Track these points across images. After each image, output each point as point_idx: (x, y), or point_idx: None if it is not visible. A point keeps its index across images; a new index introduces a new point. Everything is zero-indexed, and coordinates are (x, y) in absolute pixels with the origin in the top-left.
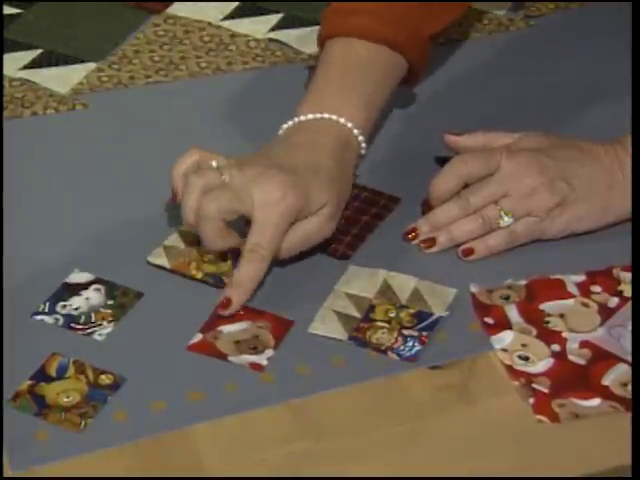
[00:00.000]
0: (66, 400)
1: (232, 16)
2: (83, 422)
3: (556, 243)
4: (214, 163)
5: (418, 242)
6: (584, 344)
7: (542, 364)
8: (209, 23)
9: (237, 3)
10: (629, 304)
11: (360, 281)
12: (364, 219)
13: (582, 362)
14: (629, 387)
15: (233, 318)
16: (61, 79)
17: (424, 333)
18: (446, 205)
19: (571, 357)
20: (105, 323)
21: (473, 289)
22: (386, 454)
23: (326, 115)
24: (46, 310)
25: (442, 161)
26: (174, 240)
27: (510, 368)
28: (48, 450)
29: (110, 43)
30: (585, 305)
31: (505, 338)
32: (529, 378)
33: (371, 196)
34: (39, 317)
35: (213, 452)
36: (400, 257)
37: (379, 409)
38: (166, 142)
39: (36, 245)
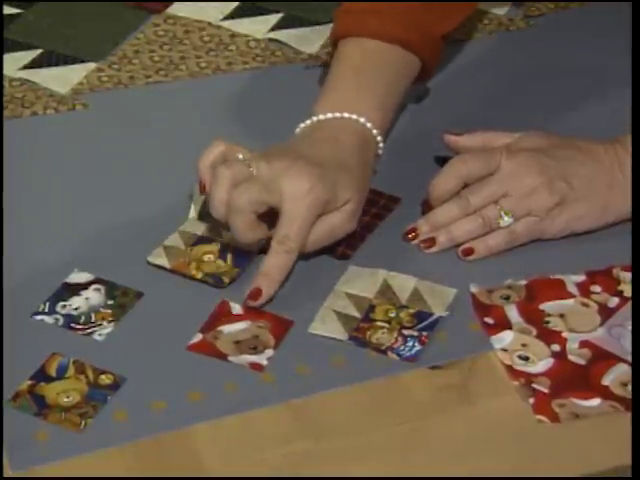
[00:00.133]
0: (66, 400)
1: (232, 16)
2: (83, 422)
3: (556, 243)
4: (241, 155)
5: (418, 242)
6: (584, 344)
7: (542, 364)
8: (209, 23)
9: (237, 3)
10: (629, 304)
11: (360, 281)
12: (364, 219)
13: (582, 362)
14: (629, 387)
15: (233, 318)
16: (61, 79)
17: (424, 333)
18: (446, 205)
19: (571, 357)
20: (105, 323)
21: (473, 289)
22: (386, 454)
23: (346, 114)
24: (46, 310)
25: (442, 161)
26: (174, 240)
27: (510, 368)
28: (48, 450)
29: (110, 43)
30: (585, 305)
31: (505, 338)
32: (529, 378)
33: (371, 196)
34: (39, 317)
35: (213, 452)
36: (400, 257)
37: (379, 409)
38: (166, 142)
39: (36, 245)
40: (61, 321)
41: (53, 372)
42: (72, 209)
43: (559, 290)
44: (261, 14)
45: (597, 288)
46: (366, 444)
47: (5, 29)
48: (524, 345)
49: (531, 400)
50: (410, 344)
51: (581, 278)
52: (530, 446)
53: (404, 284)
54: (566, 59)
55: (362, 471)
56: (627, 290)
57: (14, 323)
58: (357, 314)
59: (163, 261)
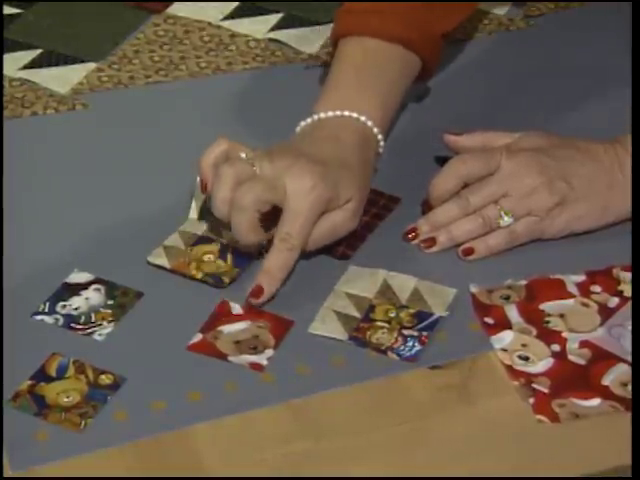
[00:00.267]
0: (66, 400)
1: (232, 16)
2: (83, 422)
3: (556, 243)
4: (243, 154)
5: (418, 242)
6: (584, 344)
7: (542, 364)
8: (209, 23)
9: (237, 3)
10: (629, 304)
11: (360, 281)
12: (364, 219)
13: (582, 362)
14: (629, 387)
15: (233, 318)
16: (61, 79)
17: (424, 333)
18: (446, 205)
19: (571, 357)
20: (105, 323)
21: (473, 289)
22: (386, 454)
23: (346, 113)
24: (46, 310)
25: (442, 161)
26: (174, 240)
27: (510, 368)
28: (48, 450)
29: (110, 43)
30: (585, 305)
31: (505, 338)
32: (529, 378)
33: (371, 196)
34: (39, 317)
35: (213, 452)
36: (400, 257)
37: (379, 409)
38: (166, 142)
39: (36, 245)
40: (61, 321)
41: (53, 372)
42: (72, 209)
43: (559, 290)
44: (261, 14)
45: (597, 288)
46: (366, 444)
47: (5, 29)
48: (524, 345)
49: (531, 400)
50: (410, 344)
51: (581, 278)
52: (530, 446)
53: (404, 284)
54: (566, 59)
55: (362, 471)
56: (627, 290)
57: (14, 323)
58: (357, 314)
59: (163, 261)
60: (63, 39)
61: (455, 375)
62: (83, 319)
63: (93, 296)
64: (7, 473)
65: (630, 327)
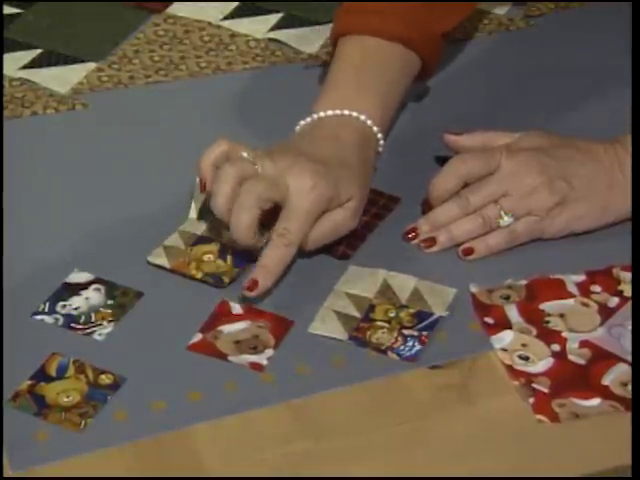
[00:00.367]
0: (66, 400)
1: (232, 16)
2: (83, 422)
3: (556, 243)
4: (245, 154)
5: (418, 242)
6: (584, 344)
7: (542, 364)
8: (209, 23)
9: (237, 3)
10: (629, 304)
11: (360, 281)
12: (364, 219)
13: (582, 362)
14: (629, 387)
15: (233, 318)
16: (61, 79)
17: (424, 333)
18: (446, 205)
19: (571, 357)
20: (105, 323)
21: (473, 289)
22: (386, 454)
23: (346, 112)
24: (46, 310)
25: (442, 161)
26: (174, 240)
27: (510, 368)
28: (48, 450)
29: (110, 43)
30: (585, 305)
31: (505, 338)
32: (529, 378)
33: (371, 196)
34: (39, 317)
35: (213, 452)
36: (400, 257)
37: (379, 409)
38: (166, 142)
39: (36, 245)
40: (61, 321)
41: (53, 372)
42: (72, 209)
43: (559, 290)
44: (261, 14)
45: (597, 288)
46: (366, 444)
47: (5, 29)
48: (524, 345)
49: (531, 400)
50: (410, 344)
51: (581, 278)
52: (530, 446)
53: (404, 284)
54: (566, 59)
55: (362, 471)
56: (627, 290)
57: (14, 323)
58: (357, 314)
59: (163, 261)
60: (63, 39)
61: (455, 375)
62: (83, 319)
63: (93, 296)
64: (7, 473)
65: (630, 327)
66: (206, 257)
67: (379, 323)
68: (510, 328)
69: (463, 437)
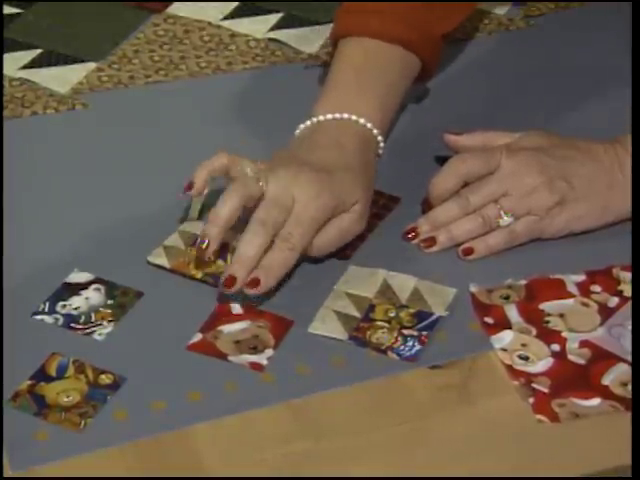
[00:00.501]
0: (66, 400)
1: (232, 16)
2: (83, 422)
3: (556, 243)
4: (249, 171)
5: (418, 242)
6: (584, 344)
7: (542, 364)
8: (209, 23)
9: (237, 3)
10: (629, 304)
11: (360, 281)
12: None
13: (582, 362)
14: (629, 387)
15: (233, 318)
16: (61, 79)
17: (424, 333)
18: (446, 204)
19: (571, 357)
20: (105, 323)
21: (473, 289)
22: (386, 454)
23: (346, 115)
24: (46, 310)
25: (442, 160)
26: (174, 240)
27: (510, 368)
28: (48, 450)
29: (110, 43)
30: (585, 305)
31: (505, 338)
32: (529, 378)
33: None
34: (39, 317)
35: (213, 452)
36: (400, 257)
37: (379, 409)
38: (166, 142)
39: (36, 245)
40: (61, 321)
41: (53, 372)
42: (72, 209)
43: (559, 290)
44: (261, 14)
45: (597, 288)
46: (366, 444)
47: (5, 29)
48: (524, 345)
49: (531, 400)
50: (410, 344)
51: (581, 278)
52: (530, 446)
53: (404, 284)
54: (566, 59)
55: (362, 471)
56: (627, 290)
57: (14, 323)
58: (357, 314)
59: (163, 261)
60: (63, 39)
61: (455, 375)
62: (83, 319)
63: (93, 296)
64: (7, 473)
65: (630, 327)
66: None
67: (379, 323)
68: (510, 328)
69: (463, 437)
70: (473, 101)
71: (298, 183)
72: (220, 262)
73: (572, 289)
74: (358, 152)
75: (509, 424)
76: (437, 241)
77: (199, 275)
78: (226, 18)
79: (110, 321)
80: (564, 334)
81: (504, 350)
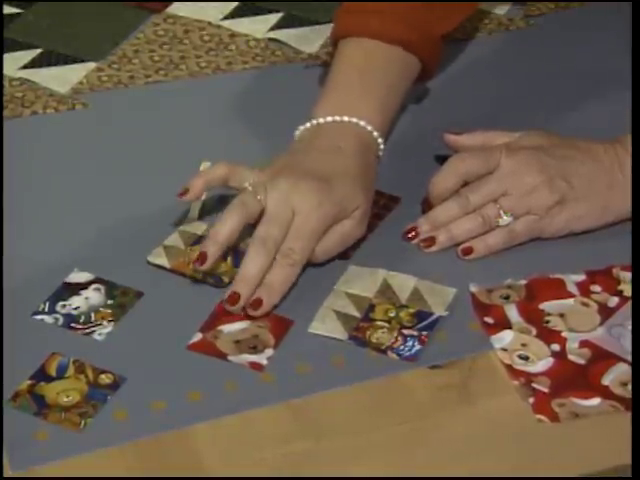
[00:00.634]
0: (66, 400)
1: (232, 16)
2: (83, 422)
3: (556, 242)
4: (247, 185)
5: (418, 241)
6: (584, 344)
7: (542, 364)
8: (209, 23)
9: (237, 3)
10: (629, 304)
11: (360, 281)
12: None
13: (582, 362)
14: (629, 387)
15: (233, 317)
16: (61, 79)
17: (424, 333)
18: (446, 204)
19: (571, 357)
20: (105, 323)
21: (473, 289)
22: (386, 454)
23: (346, 118)
24: (46, 310)
25: (442, 159)
26: (174, 240)
27: (510, 367)
28: (48, 450)
29: (110, 43)
30: (585, 305)
31: (505, 338)
32: (529, 377)
33: None
34: (39, 317)
35: (213, 452)
36: (400, 257)
37: (379, 409)
38: (166, 142)
39: (36, 245)
40: (61, 321)
41: (53, 372)
42: (72, 209)
43: (559, 290)
44: (261, 14)
45: (597, 288)
46: (366, 444)
47: (5, 29)
48: (524, 345)
49: (531, 400)
50: (410, 344)
51: (581, 278)
52: (530, 446)
53: (404, 284)
54: (566, 59)
55: (362, 471)
56: (627, 290)
57: (14, 323)
58: (357, 314)
59: (163, 261)
60: (63, 39)
61: (455, 375)
62: (83, 319)
63: (93, 296)
64: (7, 473)
65: (630, 327)
66: None
67: (379, 323)
68: (510, 328)
69: (463, 437)
70: (473, 101)
71: (299, 192)
72: (220, 262)
73: (572, 289)
74: (358, 155)
75: (509, 424)
76: (437, 241)
77: (199, 275)
78: (226, 18)
79: (110, 321)
80: (564, 334)
81: (504, 350)
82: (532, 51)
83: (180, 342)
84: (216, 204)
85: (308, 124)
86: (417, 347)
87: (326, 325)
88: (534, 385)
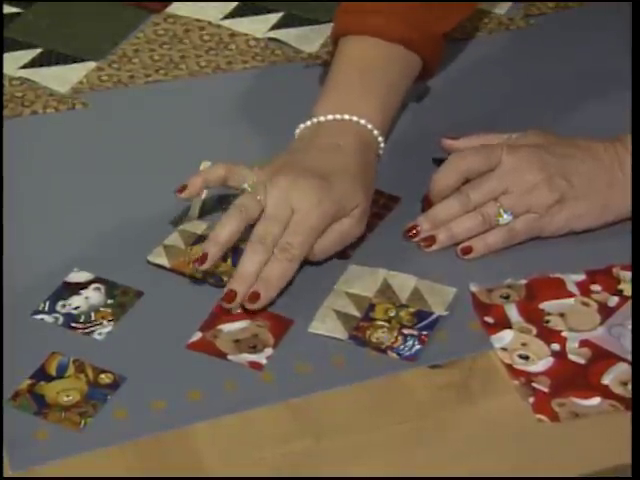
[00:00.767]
0: (66, 399)
1: (232, 15)
2: (83, 421)
3: (556, 242)
4: (247, 186)
5: (418, 240)
6: (584, 343)
7: (542, 363)
8: (209, 22)
9: (237, 2)
10: (629, 303)
11: (360, 280)
12: None
13: (582, 361)
14: (629, 386)
15: (233, 317)
16: (61, 78)
17: (424, 332)
18: (446, 201)
19: (571, 356)
20: (105, 322)
21: (473, 288)
22: (386, 453)
23: (346, 116)
24: (46, 309)
25: (439, 162)
26: (174, 239)
27: (510, 367)
28: (48, 449)
29: (110, 42)
30: (585, 304)
31: (505, 337)
32: (529, 377)
33: None
34: (39, 316)
35: (213, 451)
36: (400, 256)
37: (379, 408)
38: (166, 141)
39: (36, 245)
40: (61, 320)
41: (53, 371)
42: (72, 209)
43: (559, 289)
44: (261, 13)
45: (597, 287)
46: (366, 443)
47: (5, 28)
48: (524, 344)
49: (531, 399)
50: (410, 343)
51: (581, 277)
52: (530, 446)
53: (404, 283)
54: (566, 59)
55: (362, 471)
56: (627, 289)
57: (14, 323)
58: (357, 313)
59: (163, 260)
60: (63, 38)
61: (455, 374)
62: (83, 318)
63: (93, 295)
64: (7, 473)
65: (630, 326)
66: None
67: (379, 322)
68: (510, 327)
69: (463, 437)
70: (473, 100)
71: (298, 190)
72: (220, 262)
73: (572, 288)
74: (358, 154)
75: (509, 424)
76: (437, 240)
77: (199, 274)
78: (226, 17)
79: (110, 320)
80: (564, 333)
81: (504, 349)
82: (532, 51)
83: (180, 341)
84: (216, 203)
85: (308, 122)
86: (417, 347)
87: (326, 325)
88: (534, 385)
